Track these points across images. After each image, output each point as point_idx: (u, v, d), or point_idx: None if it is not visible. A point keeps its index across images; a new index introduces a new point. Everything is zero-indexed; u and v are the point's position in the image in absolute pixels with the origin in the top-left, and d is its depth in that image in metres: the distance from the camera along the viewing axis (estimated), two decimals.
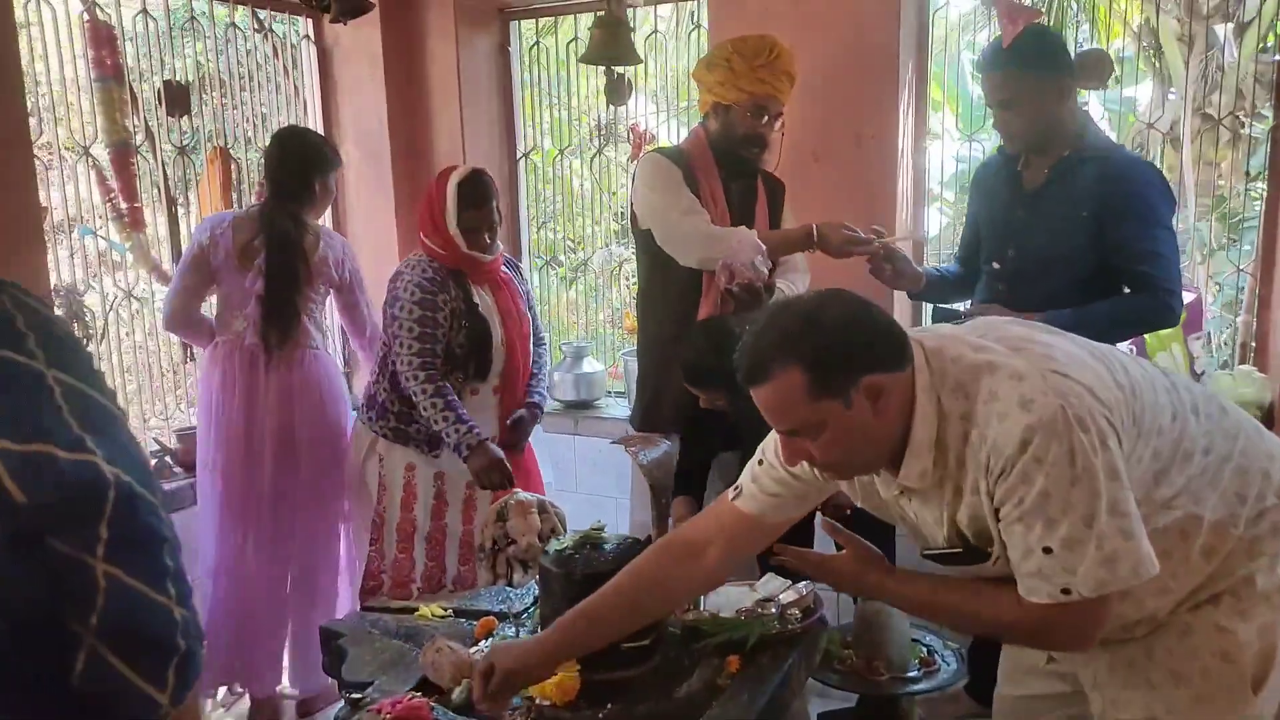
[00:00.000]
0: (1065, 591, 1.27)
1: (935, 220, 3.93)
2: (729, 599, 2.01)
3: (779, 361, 1.31)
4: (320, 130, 3.51)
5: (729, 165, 2.59)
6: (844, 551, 1.55)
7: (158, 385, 3.18)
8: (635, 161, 3.42)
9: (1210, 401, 1.49)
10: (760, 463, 1.57)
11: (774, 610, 1.88)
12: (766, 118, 2.53)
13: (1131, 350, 2.64)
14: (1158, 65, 4.27)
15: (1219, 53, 3.60)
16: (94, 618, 0.74)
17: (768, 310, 1.43)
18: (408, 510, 2.65)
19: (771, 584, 2.02)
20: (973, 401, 1.30)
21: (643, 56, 3.26)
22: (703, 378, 2.12)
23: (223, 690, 2.91)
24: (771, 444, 1.54)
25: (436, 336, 2.52)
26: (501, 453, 2.50)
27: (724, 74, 2.51)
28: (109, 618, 0.74)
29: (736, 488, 1.60)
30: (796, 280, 2.59)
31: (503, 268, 2.72)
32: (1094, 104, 3.99)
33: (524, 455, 2.77)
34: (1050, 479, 1.24)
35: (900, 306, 3.00)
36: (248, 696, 2.87)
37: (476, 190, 2.56)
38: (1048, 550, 1.26)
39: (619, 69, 3.27)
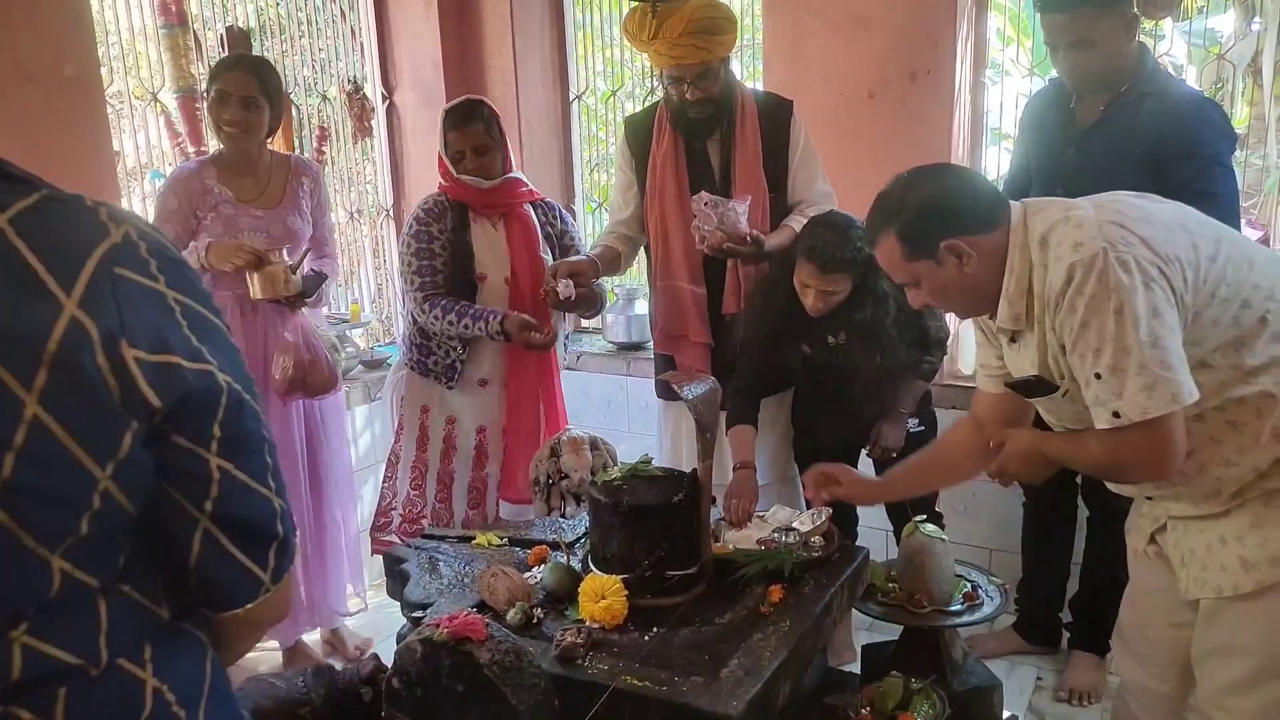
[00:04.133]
0: (1116, 415, 1.43)
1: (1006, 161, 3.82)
2: (744, 531, 2.07)
3: (882, 230, 1.62)
4: (377, 74, 3.57)
5: (683, 127, 2.52)
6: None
7: None
8: None
9: None
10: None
11: (795, 539, 1.93)
12: (686, 85, 2.41)
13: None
14: None
15: None
16: (209, 504, 0.86)
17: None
18: (421, 450, 2.72)
19: (781, 514, 2.09)
20: (1047, 250, 1.51)
21: None
22: (832, 263, 2.23)
23: None
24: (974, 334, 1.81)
25: (435, 267, 2.55)
26: (523, 315, 2.51)
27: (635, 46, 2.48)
28: (221, 504, 0.86)
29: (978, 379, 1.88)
30: (812, 213, 2.46)
31: (527, 205, 2.67)
32: (1175, 36, 3.81)
33: (553, 395, 2.79)
34: (1090, 309, 1.43)
35: None
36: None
37: (458, 113, 2.54)
38: (1098, 376, 1.44)
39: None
